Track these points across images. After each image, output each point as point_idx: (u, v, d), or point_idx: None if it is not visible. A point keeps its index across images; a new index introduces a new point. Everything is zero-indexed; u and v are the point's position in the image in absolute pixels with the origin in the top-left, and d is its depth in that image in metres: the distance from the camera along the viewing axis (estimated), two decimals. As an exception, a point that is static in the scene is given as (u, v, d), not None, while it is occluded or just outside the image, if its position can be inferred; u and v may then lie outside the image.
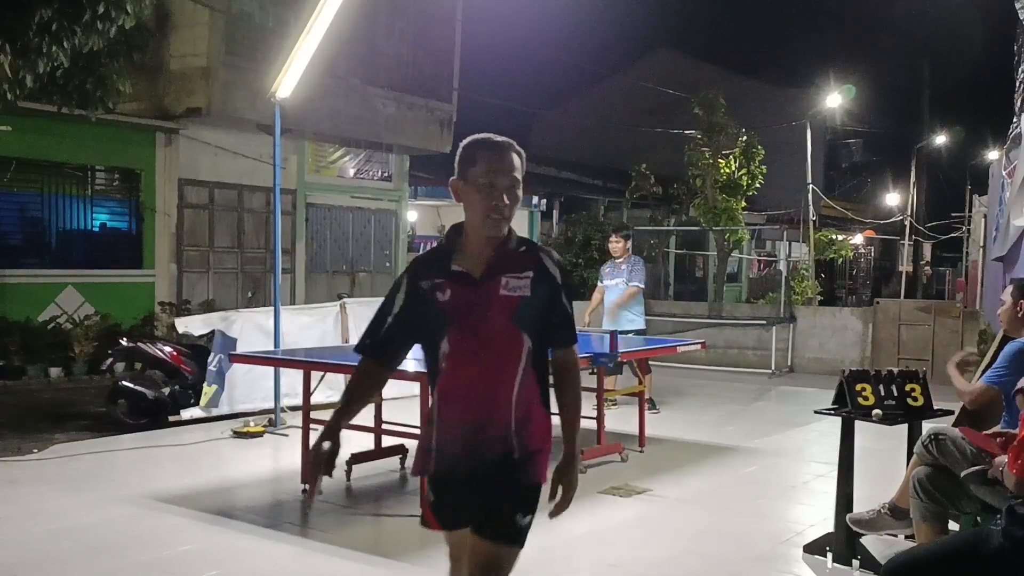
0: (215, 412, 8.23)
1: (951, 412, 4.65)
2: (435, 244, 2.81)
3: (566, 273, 2.72)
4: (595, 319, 9.38)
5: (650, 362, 8.91)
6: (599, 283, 9.49)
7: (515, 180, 2.62)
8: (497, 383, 2.59)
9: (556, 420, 2.73)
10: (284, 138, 9.02)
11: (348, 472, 6.16)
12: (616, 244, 9.32)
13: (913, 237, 24.83)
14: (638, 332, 9.00)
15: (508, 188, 2.60)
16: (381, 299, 2.78)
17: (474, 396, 2.59)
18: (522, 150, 2.67)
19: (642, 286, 9.06)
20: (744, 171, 15.95)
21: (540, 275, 2.63)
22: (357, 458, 6.25)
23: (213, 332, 8.36)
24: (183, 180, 13.21)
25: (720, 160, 15.86)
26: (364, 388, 2.77)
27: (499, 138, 2.65)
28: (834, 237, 19.84)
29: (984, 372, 4.50)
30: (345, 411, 2.71)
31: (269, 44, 9.57)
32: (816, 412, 4.85)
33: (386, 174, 16.53)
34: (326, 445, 2.59)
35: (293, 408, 8.01)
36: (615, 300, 9.09)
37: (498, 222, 2.60)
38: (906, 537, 4.46)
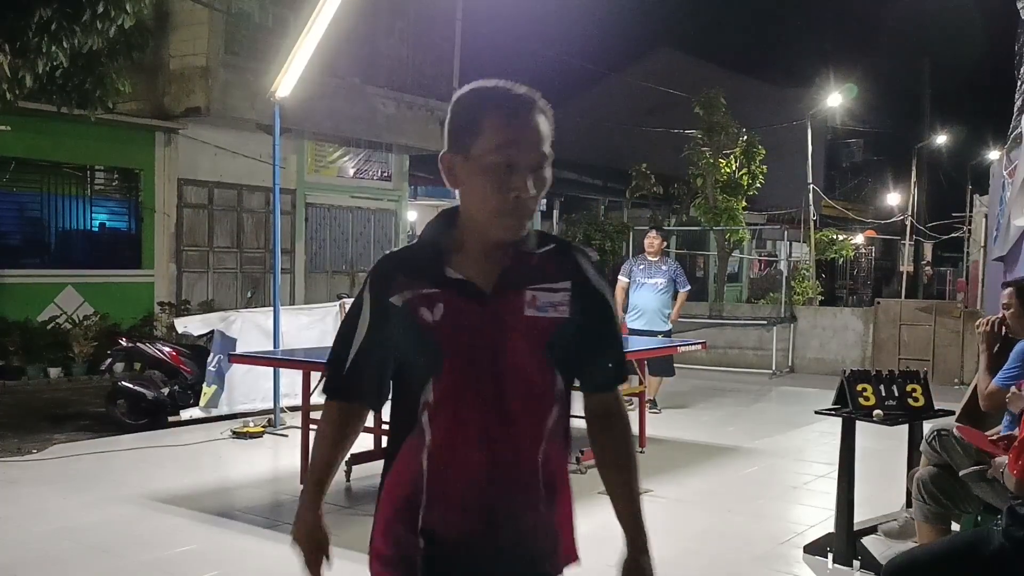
0: (214, 412, 8.23)
1: (952, 412, 4.65)
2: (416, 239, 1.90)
3: (609, 284, 1.90)
4: None
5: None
6: (622, 278, 9.28)
7: (543, 156, 1.71)
8: (520, 447, 1.77)
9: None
10: (284, 138, 9.02)
11: (348, 472, 6.14)
12: (654, 240, 9.27)
13: (914, 237, 24.81)
14: (667, 334, 9.01)
15: (534, 170, 1.70)
16: None
17: (484, 469, 1.74)
18: (547, 105, 1.76)
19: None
20: (745, 171, 15.97)
21: (582, 289, 1.79)
22: (357, 458, 6.22)
23: (212, 332, 8.35)
24: (182, 180, 13.22)
25: (721, 160, 15.87)
26: (337, 447, 1.96)
27: (519, 89, 1.74)
28: (835, 237, 19.85)
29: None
30: (319, 490, 1.95)
31: (269, 44, 9.58)
32: (817, 412, 4.84)
33: (386, 174, 16.53)
34: (313, 544, 1.97)
35: (292, 408, 8.00)
36: (657, 304, 9.08)
37: (518, 221, 1.72)
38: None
